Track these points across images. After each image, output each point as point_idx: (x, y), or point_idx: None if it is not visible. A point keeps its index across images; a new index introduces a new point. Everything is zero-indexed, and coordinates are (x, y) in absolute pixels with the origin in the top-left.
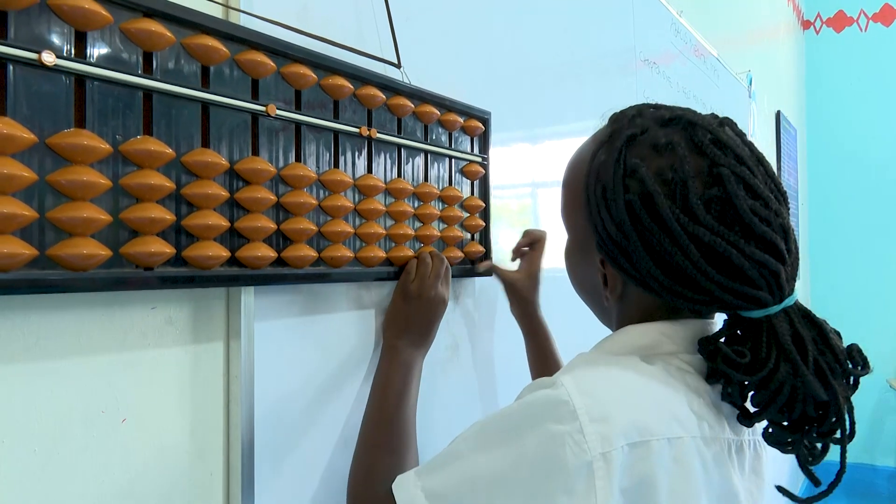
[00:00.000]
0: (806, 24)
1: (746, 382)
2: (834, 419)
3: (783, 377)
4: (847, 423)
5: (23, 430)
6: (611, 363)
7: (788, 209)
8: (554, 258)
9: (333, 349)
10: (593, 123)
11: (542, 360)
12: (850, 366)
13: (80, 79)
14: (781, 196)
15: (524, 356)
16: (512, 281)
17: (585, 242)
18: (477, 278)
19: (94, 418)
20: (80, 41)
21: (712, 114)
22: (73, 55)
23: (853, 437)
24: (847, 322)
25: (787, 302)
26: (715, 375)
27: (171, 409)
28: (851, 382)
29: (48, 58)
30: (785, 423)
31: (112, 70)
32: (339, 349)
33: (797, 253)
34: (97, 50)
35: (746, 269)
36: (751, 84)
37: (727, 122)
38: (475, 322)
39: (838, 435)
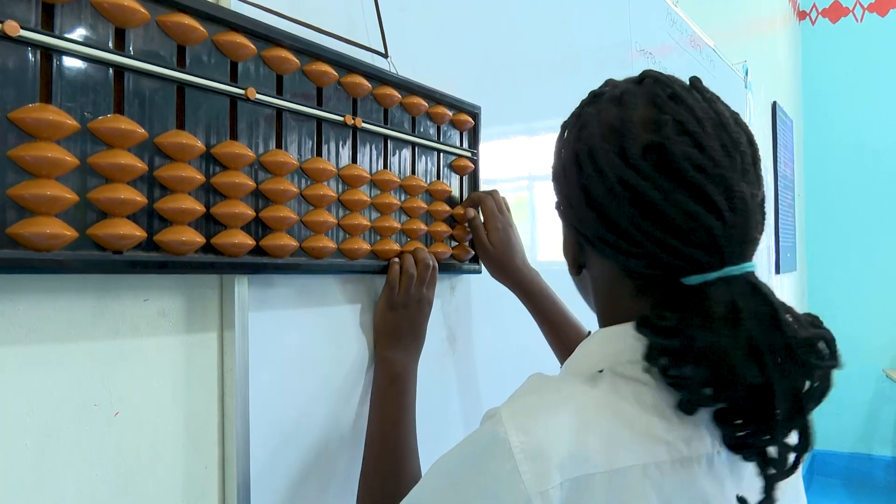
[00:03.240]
0: (802, 15)
1: (667, 353)
2: (773, 413)
3: (703, 346)
4: (785, 416)
5: (15, 423)
6: (559, 390)
7: (749, 175)
8: (550, 252)
9: (330, 340)
10: None
11: (551, 327)
12: (811, 356)
13: (47, 52)
14: (735, 154)
15: (521, 349)
16: (479, 247)
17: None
18: (466, 275)
19: (87, 411)
20: (48, 14)
21: (693, 76)
22: (40, 27)
23: (807, 443)
24: (843, 312)
25: (730, 270)
26: (647, 354)
27: (164, 401)
28: (813, 375)
29: (12, 28)
30: (717, 412)
31: (81, 45)
32: (335, 340)
33: (752, 218)
34: (66, 23)
35: (677, 220)
36: (747, 75)
37: (695, 83)
38: (470, 314)
39: (794, 441)
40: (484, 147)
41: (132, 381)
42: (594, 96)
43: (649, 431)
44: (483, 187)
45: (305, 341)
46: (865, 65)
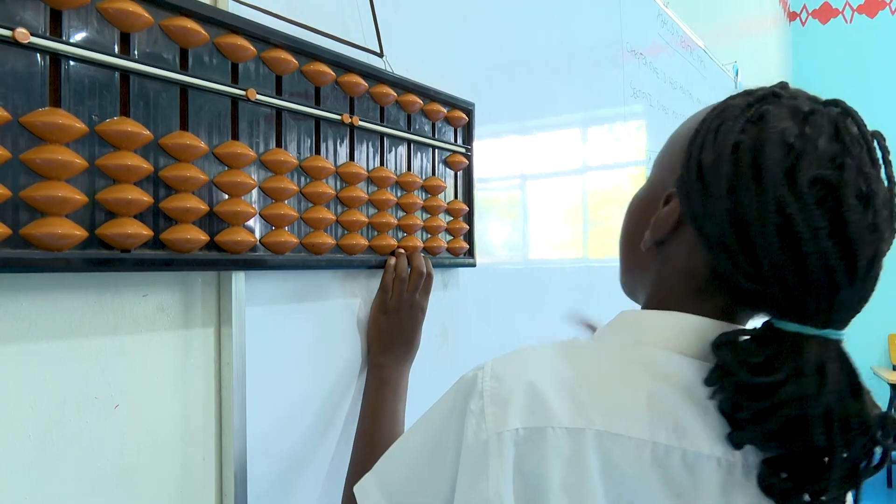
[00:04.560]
0: (792, 16)
1: (745, 389)
2: (824, 477)
3: (788, 394)
4: (836, 485)
5: (18, 415)
6: (563, 348)
7: (886, 253)
8: (545, 250)
9: (327, 335)
10: (580, 116)
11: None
12: (879, 433)
13: (56, 57)
14: (888, 229)
15: (518, 341)
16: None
17: (660, 184)
18: (465, 267)
19: (88, 404)
20: (56, 20)
21: (878, 132)
22: (48, 33)
23: None
24: None
25: (829, 333)
26: (715, 374)
27: (163, 394)
28: (865, 449)
29: (22, 35)
30: (769, 456)
31: (88, 50)
32: (332, 335)
33: (868, 288)
34: (73, 29)
35: (812, 265)
36: (737, 75)
37: (878, 136)
38: (465, 309)
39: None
40: (476, 145)
41: (132, 375)
42: (773, 96)
43: (653, 405)
44: (477, 185)
45: (303, 336)
46: (855, 65)
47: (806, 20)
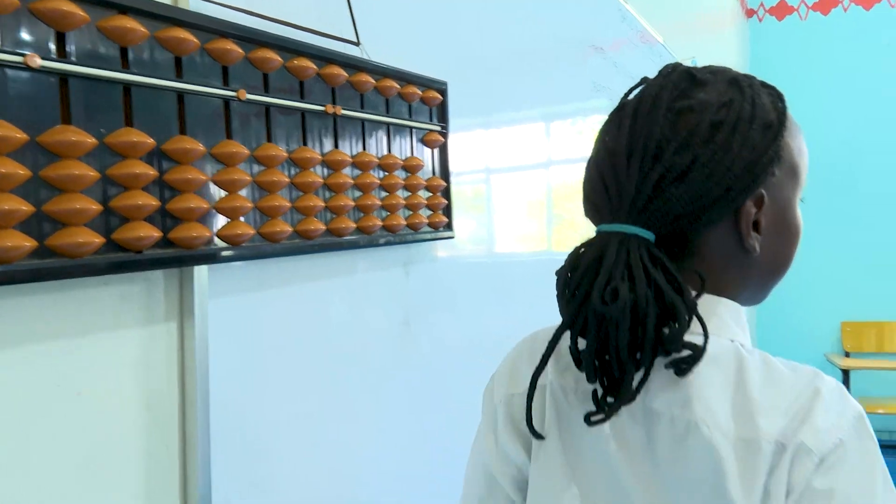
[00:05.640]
0: (749, 13)
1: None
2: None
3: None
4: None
5: None
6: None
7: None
8: (510, 244)
9: (293, 325)
10: (544, 111)
11: None
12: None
13: (64, 78)
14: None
15: (482, 333)
16: None
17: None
18: (432, 244)
19: (51, 393)
20: (61, 41)
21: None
22: (55, 56)
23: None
24: (787, 299)
25: (602, 227)
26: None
27: (126, 384)
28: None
29: (34, 60)
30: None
31: (93, 67)
32: (298, 325)
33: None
34: (77, 49)
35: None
36: None
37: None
38: (428, 296)
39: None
40: (463, 146)
41: (94, 365)
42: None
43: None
44: (461, 184)
45: (268, 325)
46: (810, 62)
47: (763, 17)
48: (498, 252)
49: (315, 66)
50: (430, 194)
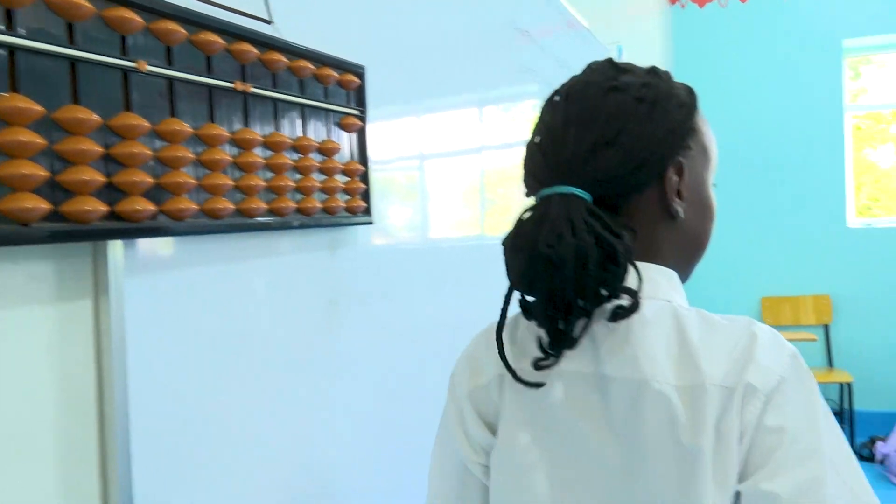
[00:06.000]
0: (672, 0)
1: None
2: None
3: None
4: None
5: None
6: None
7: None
8: (443, 229)
9: (216, 305)
10: (475, 96)
11: None
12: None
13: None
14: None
15: (414, 313)
16: None
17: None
18: (358, 228)
19: None
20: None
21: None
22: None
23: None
24: (712, 278)
25: (544, 191)
26: None
27: (39, 365)
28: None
29: None
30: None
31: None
32: (222, 305)
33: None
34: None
35: None
36: (620, 56)
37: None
38: (356, 276)
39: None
40: (373, 127)
41: (4, 346)
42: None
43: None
44: (375, 166)
45: (187, 304)
46: (730, 48)
47: (685, 4)
48: (433, 238)
49: (223, 42)
50: (348, 179)
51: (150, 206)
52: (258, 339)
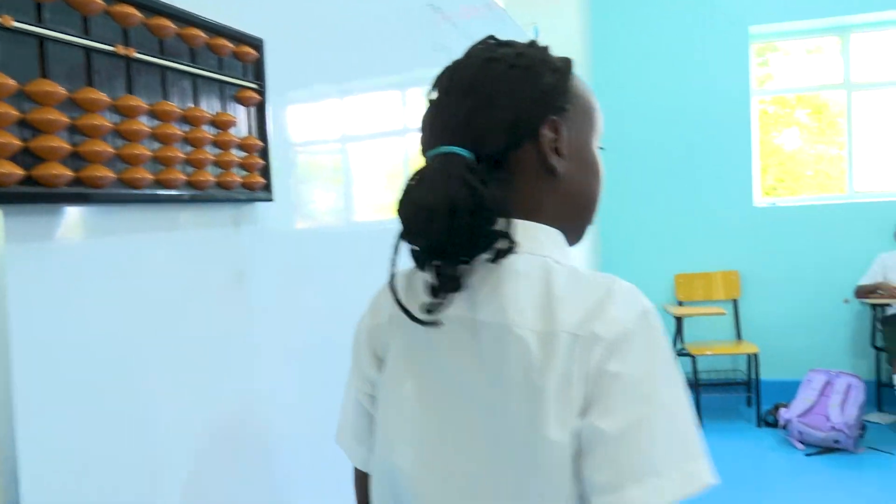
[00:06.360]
0: None
1: None
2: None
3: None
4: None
5: None
6: None
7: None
8: (368, 213)
9: (109, 278)
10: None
11: None
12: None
13: None
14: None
15: (320, 286)
16: None
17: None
18: (259, 205)
19: None
20: None
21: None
22: None
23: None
24: (629, 256)
25: (428, 153)
26: None
27: None
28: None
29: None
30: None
31: None
32: (117, 278)
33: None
34: None
35: None
36: (537, 37)
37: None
38: (261, 250)
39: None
40: (276, 103)
41: None
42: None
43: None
44: (297, 148)
45: (82, 276)
46: (645, 33)
47: None
48: (357, 221)
49: (102, 2)
50: (246, 154)
51: (18, 171)
52: (158, 311)
